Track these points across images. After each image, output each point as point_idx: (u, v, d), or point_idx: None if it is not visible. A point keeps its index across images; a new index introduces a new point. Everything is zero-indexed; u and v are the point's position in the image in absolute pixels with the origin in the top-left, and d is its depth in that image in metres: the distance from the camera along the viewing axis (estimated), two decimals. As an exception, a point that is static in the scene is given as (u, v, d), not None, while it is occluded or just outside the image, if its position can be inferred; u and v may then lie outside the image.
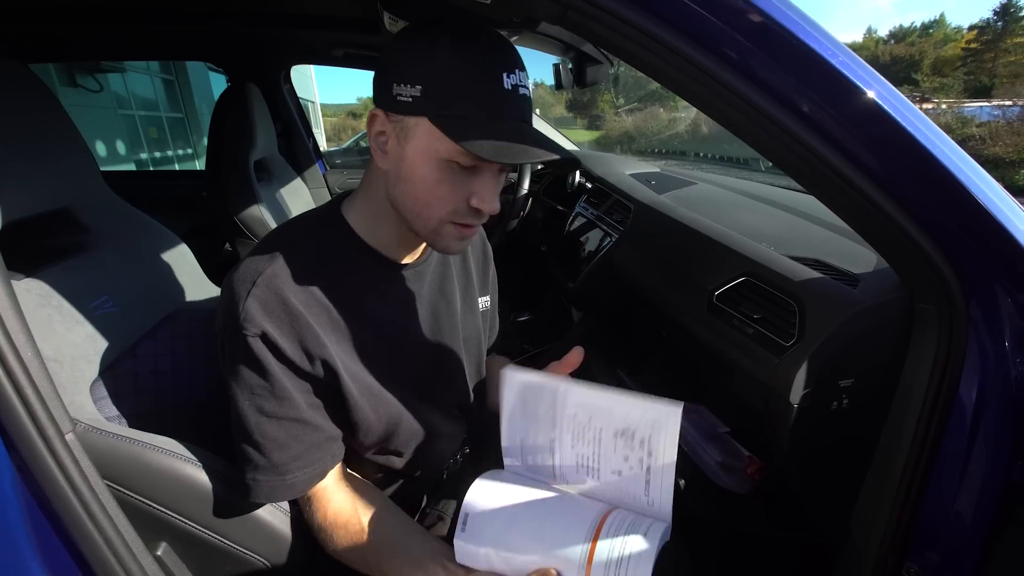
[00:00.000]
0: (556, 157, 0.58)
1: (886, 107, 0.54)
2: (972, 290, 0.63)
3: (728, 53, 0.51)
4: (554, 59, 1.37)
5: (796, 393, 0.74)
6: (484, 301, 0.86)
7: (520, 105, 0.58)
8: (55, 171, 0.75)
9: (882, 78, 0.55)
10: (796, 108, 0.53)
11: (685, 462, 1.06)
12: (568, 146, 2.06)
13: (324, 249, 0.65)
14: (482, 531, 0.54)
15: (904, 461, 0.70)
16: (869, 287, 0.77)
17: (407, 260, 0.71)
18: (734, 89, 0.52)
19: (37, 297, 0.67)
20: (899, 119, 0.54)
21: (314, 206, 1.86)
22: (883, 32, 56.83)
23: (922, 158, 0.55)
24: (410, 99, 0.56)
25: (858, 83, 0.53)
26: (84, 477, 0.49)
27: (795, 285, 0.81)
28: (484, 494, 0.57)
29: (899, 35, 51.68)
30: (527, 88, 0.60)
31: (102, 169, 0.87)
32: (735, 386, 0.95)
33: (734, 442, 1.10)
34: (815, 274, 0.82)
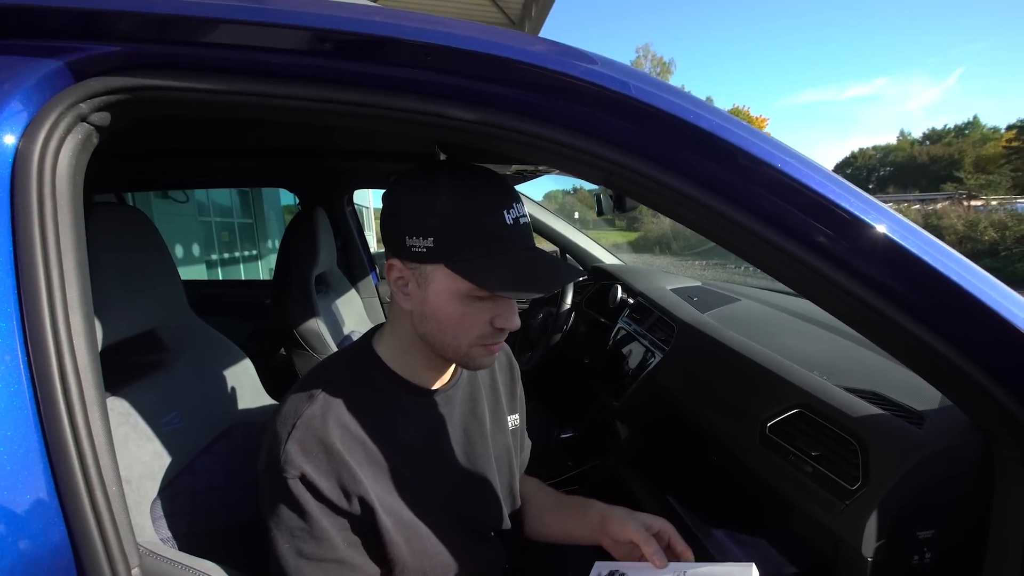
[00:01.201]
0: (567, 284, 0.62)
1: (899, 240, 0.53)
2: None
3: (764, 210, 0.54)
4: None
5: (869, 545, 0.68)
6: (513, 419, 0.87)
7: (523, 235, 0.64)
8: (148, 296, 0.82)
9: (891, 212, 0.56)
10: (811, 242, 0.54)
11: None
12: (602, 254, 2.13)
13: (358, 383, 0.69)
14: None
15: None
16: (937, 427, 0.73)
17: (437, 385, 0.74)
18: (768, 240, 0.54)
19: (118, 416, 0.72)
20: (928, 259, 0.54)
21: (366, 315, 1.97)
22: (916, 134, 57.71)
23: (960, 297, 0.54)
24: (424, 250, 0.61)
25: (868, 219, 0.54)
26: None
27: (854, 422, 0.77)
28: None
29: (934, 137, 52.27)
30: (526, 217, 0.65)
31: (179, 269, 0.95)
32: (796, 525, 0.88)
33: (803, 589, 0.99)
34: (875, 410, 0.78)
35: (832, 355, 1.03)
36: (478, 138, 0.57)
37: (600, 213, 1.39)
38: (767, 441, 0.89)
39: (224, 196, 7.15)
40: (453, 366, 0.75)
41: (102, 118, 0.54)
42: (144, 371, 0.82)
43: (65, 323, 0.48)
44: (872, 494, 0.70)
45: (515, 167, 1.41)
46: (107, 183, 1.72)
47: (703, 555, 1.08)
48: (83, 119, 0.52)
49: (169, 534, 0.72)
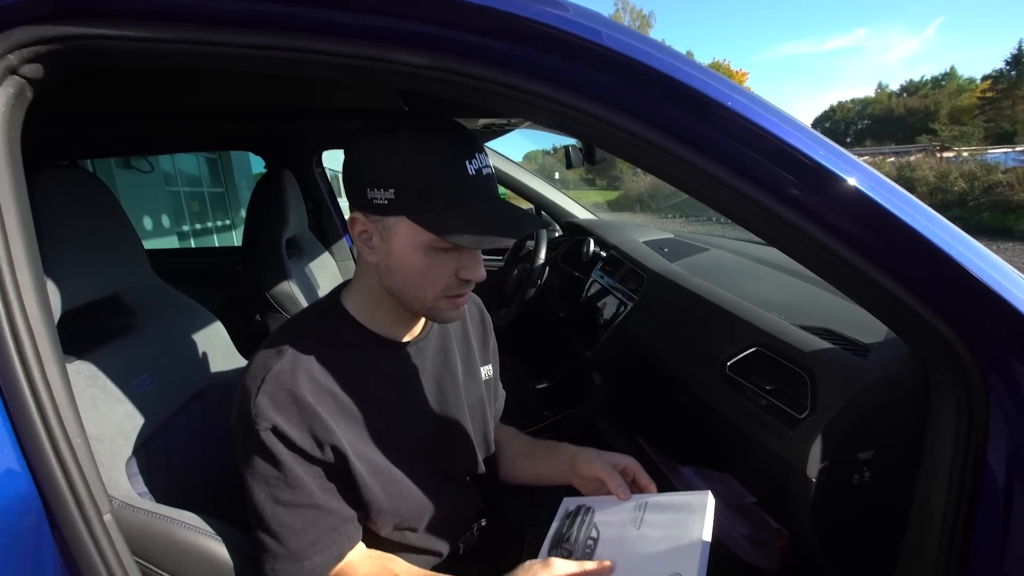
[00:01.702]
0: (531, 233, 0.63)
1: (870, 193, 0.56)
2: (989, 363, 0.63)
3: (720, 154, 0.55)
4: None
5: (813, 467, 0.73)
6: (486, 370, 0.88)
7: (486, 185, 0.64)
8: (108, 260, 0.81)
9: (864, 165, 0.59)
10: (783, 195, 0.56)
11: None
12: (577, 210, 2.14)
13: (327, 338, 0.69)
14: None
15: (938, 539, 0.68)
16: (880, 358, 0.77)
17: (407, 338, 0.75)
18: (727, 183, 0.56)
19: (85, 379, 0.72)
20: (884, 203, 0.57)
21: (341, 279, 1.96)
22: (894, 86, 57.81)
23: (916, 240, 0.57)
24: (386, 202, 0.61)
25: (839, 172, 0.56)
26: (117, 557, 0.52)
27: (805, 356, 0.82)
28: None
29: (911, 88, 52.47)
30: (489, 167, 0.65)
31: (147, 244, 0.94)
32: (755, 457, 0.94)
33: (762, 513, 1.06)
34: (825, 345, 0.83)
35: (791, 297, 1.07)
36: (433, 84, 0.56)
37: (569, 166, 1.39)
38: (727, 379, 0.93)
39: (192, 165, 6.90)
40: (423, 319, 0.77)
41: (34, 70, 0.51)
42: (111, 335, 0.82)
43: (12, 281, 0.48)
44: (818, 421, 0.74)
45: (483, 121, 1.39)
46: (61, 150, 1.65)
47: (669, 490, 1.14)
48: (13, 72, 0.50)
49: (146, 489, 0.74)
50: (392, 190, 0.60)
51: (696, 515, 0.60)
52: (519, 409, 1.21)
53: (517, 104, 0.56)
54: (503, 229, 0.62)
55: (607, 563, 0.59)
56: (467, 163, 0.62)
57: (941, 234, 0.58)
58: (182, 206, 6.41)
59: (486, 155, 0.66)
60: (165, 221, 5.80)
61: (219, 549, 0.67)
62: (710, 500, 0.63)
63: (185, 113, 1.44)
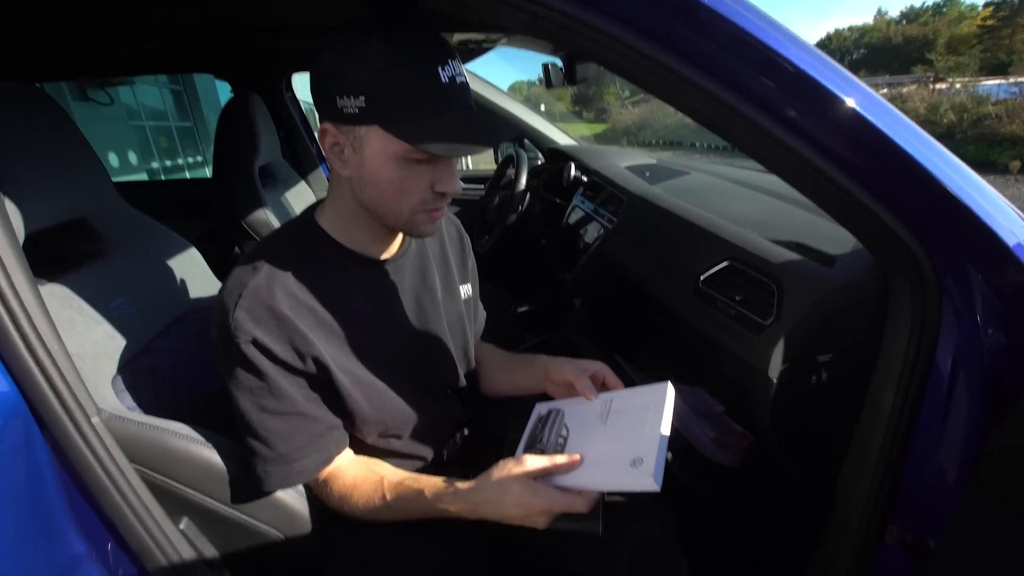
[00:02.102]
0: (507, 140, 0.62)
1: (845, 97, 0.56)
2: (944, 266, 0.65)
3: (696, 57, 0.54)
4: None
5: (775, 368, 0.77)
6: (465, 289, 0.89)
7: (460, 93, 0.62)
8: (70, 183, 0.80)
9: (844, 72, 0.58)
10: (759, 102, 0.56)
11: (677, 438, 1.09)
12: (559, 136, 2.09)
13: (303, 255, 0.69)
14: None
15: (884, 431, 0.73)
16: (845, 267, 0.80)
17: (385, 256, 0.75)
18: (703, 88, 0.55)
19: (59, 300, 0.72)
20: (863, 111, 0.57)
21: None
22: (894, 13, 55.70)
23: (884, 145, 0.58)
24: (356, 110, 0.58)
25: (818, 78, 0.55)
26: (111, 457, 0.54)
27: (774, 267, 0.84)
28: None
29: (911, 15, 50.71)
30: (463, 75, 0.63)
31: (116, 179, 0.92)
32: (724, 366, 0.99)
33: (729, 420, 1.14)
34: (794, 256, 0.85)
35: (765, 214, 1.08)
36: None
37: (549, 85, 1.34)
38: (700, 293, 0.96)
39: (155, 98, 6.50)
40: (400, 236, 0.76)
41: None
42: (82, 260, 0.82)
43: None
44: (782, 326, 0.78)
45: (458, 37, 1.32)
46: (5, 73, 1.54)
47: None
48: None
49: (135, 404, 0.76)
50: (362, 98, 0.58)
51: (657, 403, 0.63)
52: (501, 333, 1.24)
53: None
54: (477, 137, 0.60)
55: (576, 456, 0.63)
56: (440, 69, 0.59)
57: (908, 137, 0.59)
58: (149, 142, 6.10)
59: (459, 62, 0.63)
60: (132, 158, 5.54)
61: (211, 455, 0.70)
62: (669, 389, 0.66)
63: (141, 31, 1.35)
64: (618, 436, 0.62)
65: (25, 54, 1.44)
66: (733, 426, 1.10)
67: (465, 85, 0.63)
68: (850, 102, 0.56)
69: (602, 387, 0.76)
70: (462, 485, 0.65)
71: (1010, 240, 0.60)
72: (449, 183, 0.65)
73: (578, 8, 0.52)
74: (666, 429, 0.59)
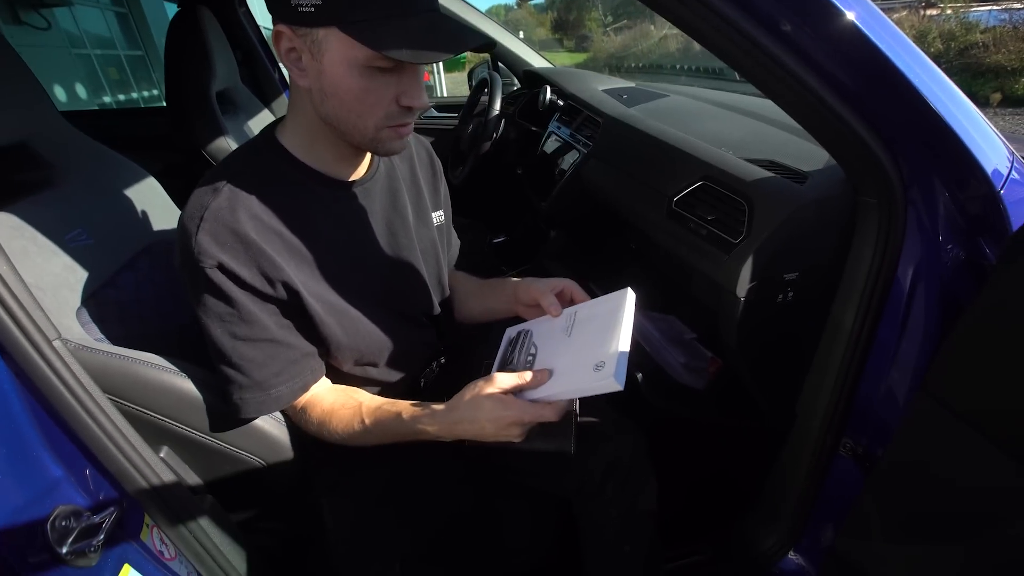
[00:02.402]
0: (475, 46, 0.58)
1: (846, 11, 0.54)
2: (912, 178, 0.66)
3: None
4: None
5: (743, 287, 0.79)
6: (438, 215, 0.88)
7: None
8: (4, 105, 0.74)
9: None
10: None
11: (647, 361, 1.13)
12: (535, 58, 1.99)
13: (265, 176, 0.66)
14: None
15: (844, 349, 0.76)
16: (816, 183, 0.80)
17: (353, 177, 0.72)
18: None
19: (9, 229, 0.69)
20: (855, 19, 0.55)
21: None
22: (888, -73, 52.78)
23: (871, 54, 0.57)
24: (312, 8, 0.54)
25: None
26: (80, 384, 0.54)
27: (746, 185, 0.84)
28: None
29: (904, -70, 48.17)
30: None
31: (64, 111, 0.86)
32: (695, 289, 1.01)
33: (700, 346, 1.17)
34: (767, 174, 0.84)
35: (742, 134, 1.06)
36: None
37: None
38: (673, 214, 0.96)
39: (98, 23, 5.94)
40: (368, 157, 0.73)
41: None
42: (30, 189, 0.77)
43: None
44: (751, 244, 0.78)
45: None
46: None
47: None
48: None
49: (103, 336, 0.75)
50: None
51: (617, 309, 0.64)
52: (477, 264, 1.24)
53: None
54: (445, 43, 0.56)
55: (545, 371, 0.64)
56: None
57: (899, 50, 0.57)
58: (97, 73, 5.64)
59: None
60: (80, 91, 5.14)
61: (186, 384, 0.70)
62: (629, 294, 0.67)
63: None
64: (582, 345, 0.63)
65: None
66: (703, 352, 1.14)
67: None
68: (850, 15, 0.54)
69: (570, 303, 0.76)
70: (437, 407, 0.66)
71: (987, 165, 0.61)
72: (416, 96, 0.61)
73: None
74: (627, 332, 0.60)
